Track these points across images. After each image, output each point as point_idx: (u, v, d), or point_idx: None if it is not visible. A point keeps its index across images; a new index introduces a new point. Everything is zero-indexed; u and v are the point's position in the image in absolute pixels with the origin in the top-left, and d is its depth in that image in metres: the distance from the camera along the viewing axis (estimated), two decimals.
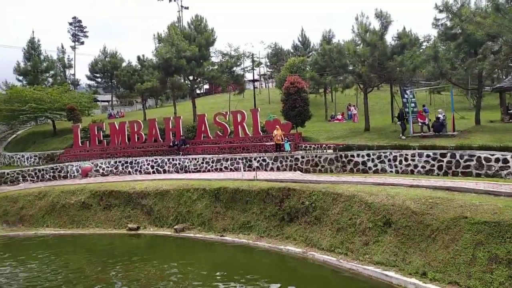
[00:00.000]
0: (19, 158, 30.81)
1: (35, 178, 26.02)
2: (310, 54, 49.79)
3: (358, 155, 17.44)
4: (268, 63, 58.05)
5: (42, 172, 26.05)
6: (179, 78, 31.88)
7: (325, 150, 20.09)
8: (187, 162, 23.07)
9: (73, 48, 67.54)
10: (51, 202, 20.16)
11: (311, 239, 13.00)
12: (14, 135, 38.16)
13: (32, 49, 44.80)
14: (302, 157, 19.32)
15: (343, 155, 17.91)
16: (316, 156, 18.81)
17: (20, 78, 44.50)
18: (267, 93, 43.59)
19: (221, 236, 15.28)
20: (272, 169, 20.24)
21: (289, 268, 12.00)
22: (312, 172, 18.55)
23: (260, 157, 20.79)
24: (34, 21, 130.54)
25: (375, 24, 22.55)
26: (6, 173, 26.40)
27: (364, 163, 17.26)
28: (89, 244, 16.69)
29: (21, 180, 26.03)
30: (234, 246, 14.31)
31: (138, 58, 38.41)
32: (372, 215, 11.68)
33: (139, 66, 38.34)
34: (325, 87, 33.75)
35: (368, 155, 17.15)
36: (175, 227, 16.67)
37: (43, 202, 20.36)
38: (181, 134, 25.34)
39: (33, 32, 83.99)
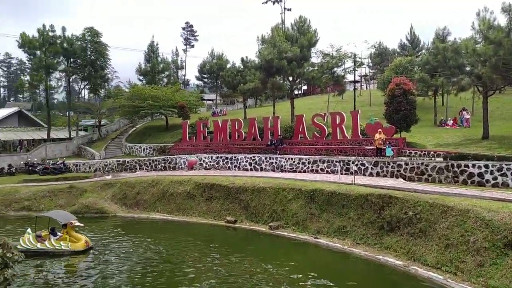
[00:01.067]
0: (137, 149, 34.82)
1: (149, 167, 29.14)
2: (419, 53, 46.18)
3: (473, 166, 15.63)
4: (371, 64, 55.57)
5: (155, 163, 29.07)
6: (279, 79, 32.47)
7: (433, 158, 18.45)
8: (284, 162, 23.38)
9: (185, 51, 73.80)
10: (161, 190, 22.34)
11: (414, 252, 12.07)
12: (134, 128, 43.26)
13: (151, 52, 50.28)
14: (406, 164, 18.05)
15: (455, 164, 16.23)
16: (422, 164, 17.40)
17: (141, 78, 50.31)
18: (368, 95, 41.78)
19: (315, 238, 15.14)
20: (371, 174, 19.35)
21: (388, 280, 11.33)
22: (416, 180, 17.22)
23: (358, 161, 20.03)
24: (155, 26, 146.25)
25: (501, 20, 19.90)
26: (126, 161, 30.12)
27: (480, 174, 15.40)
28: (191, 231, 18.04)
29: (138, 168, 29.41)
30: (328, 250, 14.04)
31: (242, 59, 40.25)
32: (490, 234, 10.35)
33: (242, 67, 40.11)
34: (436, 89, 30.95)
35: (487, 166, 15.25)
36: (270, 224, 17.04)
37: (155, 190, 22.66)
38: (279, 134, 25.76)
39: (152, 36, 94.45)
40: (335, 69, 32.44)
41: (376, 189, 15.16)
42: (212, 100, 62.32)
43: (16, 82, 77.25)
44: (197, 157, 27.60)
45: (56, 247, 14.63)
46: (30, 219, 21.31)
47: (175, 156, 28.87)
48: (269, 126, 26.44)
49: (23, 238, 14.98)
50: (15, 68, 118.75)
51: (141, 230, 18.24)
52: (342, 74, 34.85)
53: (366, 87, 57.97)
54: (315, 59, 33.38)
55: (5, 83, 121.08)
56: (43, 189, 24.76)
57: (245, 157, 25.42)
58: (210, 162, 26.90)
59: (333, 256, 13.48)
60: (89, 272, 12.58)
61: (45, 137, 42.38)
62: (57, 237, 15.09)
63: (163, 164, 28.77)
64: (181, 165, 27.92)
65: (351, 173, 19.01)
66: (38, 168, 31.58)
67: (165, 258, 13.68)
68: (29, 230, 15.44)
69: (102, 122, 46.98)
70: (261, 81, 31.96)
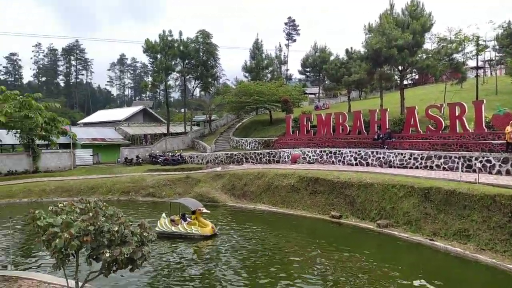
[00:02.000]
0: (243, 143, 36.60)
1: (255, 160, 30.38)
2: None
3: None
4: (498, 47, 48.42)
5: (260, 156, 30.19)
6: (387, 69, 30.61)
7: None
8: (392, 157, 22.08)
9: (287, 45, 74.59)
10: (267, 183, 23.10)
11: None
12: (240, 123, 45.55)
13: (256, 49, 52.07)
14: None
15: None
16: None
17: (246, 74, 52.55)
18: (494, 82, 36.59)
19: (430, 240, 13.97)
20: (499, 172, 17.02)
21: None
22: None
23: (483, 157, 17.80)
24: (261, 24, 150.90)
25: None
26: (234, 154, 31.91)
27: None
28: (296, 224, 18.29)
29: (244, 161, 30.92)
30: (446, 254, 12.82)
31: (346, 51, 38.97)
32: None
33: (347, 58, 38.86)
34: None
35: None
36: (378, 221, 16.28)
37: (260, 182, 23.55)
38: (387, 127, 24.39)
39: (257, 34, 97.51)
40: (454, 55, 29.12)
41: (507, 190, 13.28)
42: (314, 93, 61.94)
43: (140, 83, 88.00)
44: (301, 151, 27.79)
45: (188, 231, 16.08)
46: (154, 204, 24.20)
47: (279, 149, 29.53)
48: (376, 119, 25.21)
49: (159, 221, 16.81)
50: (139, 71, 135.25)
51: (249, 220, 19.16)
52: (462, 60, 31.17)
53: (491, 74, 50.89)
54: (429, 45, 30.49)
55: (132, 85, 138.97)
56: (164, 178, 27.75)
57: (350, 151, 24.71)
58: (314, 156, 26.82)
59: (452, 261, 12.25)
60: (214, 255, 13.72)
61: (165, 131, 47.46)
62: (187, 222, 16.61)
63: (267, 157, 29.70)
64: (285, 158, 28.44)
65: (474, 171, 17.04)
66: (160, 159, 35.57)
67: (272, 248, 14.14)
68: (164, 214, 17.18)
69: (212, 118, 50.50)
70: (367, 72, 30.53)
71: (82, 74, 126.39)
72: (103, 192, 26.90)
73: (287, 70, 69.78)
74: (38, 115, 9.22)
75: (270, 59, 52.89)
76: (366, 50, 29.87)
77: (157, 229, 16.04)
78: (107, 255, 6.93)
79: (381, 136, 24.06)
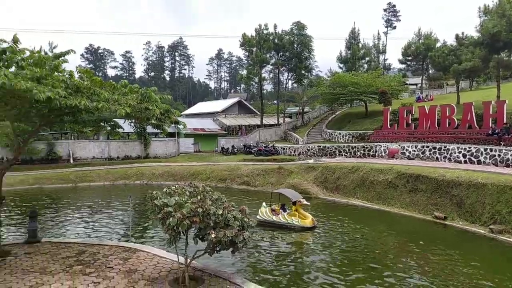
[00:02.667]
0: (336, 135, 35.84)
1: (348, 153, 29.55)
2: None
3: None
4: None
5: (354, 149, 29.24)
6: (507, 55, 26.92)
7: None
8: (511, 155, 19.47)
9: (385, 33, 70.49)
10: (361, 177, 22.32)
11: None
12: (333, 115, 44.62)
13: (352, 39, 50.19)
14: None
15: None
16: None
17: (341, 65, 51.06)
18: None
19: None
20: None
21: None
22: None
23: None
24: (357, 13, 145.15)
25: None
26: (327, 147, 31.47)
27: None
28: (393, 222, 17.36)
29: (337, 154, 30.29)
30: None
31: (457, 36, 35.20)
32: None
33: (456, 45, 35.14)
34: None
35: None
36: (491, 226, 14.59)
37: (354, 176, 22.85)
38: (505, 122, 21.58)
39: (354, 23, 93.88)
40: None
41: None
42: (415, 84, 57.49)
43: (236, 76, 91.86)
44: (399, 145, 26.17)
45: (289, 221, 16.31)
46: (248, 192, 25.23)
47: (375, 143, 28.24)
48: (490, 112, 22.52)
49: (260, 210, 17.37)
50: (235, 64, 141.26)
51: (344, 214, 18.74)
52: None
53: None
54: None
55: (227, 78, 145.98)
56: (258, 168, 28.69)
57: (458, 147, 22.48)
58: (414, 151, 25.05)
59: None
60: (309, 246, 13.85)
61: (258, 123, 48.88)
62: (287, 212, 16.90)
63: (362, 151, 28.65)
64: (381, 153, 27.11)
65: None
66: (253, 149, 36.82)
67: (369, 245, 13.67)
68: (264, 204, 17.67)
69: (305, 110, 50.36)
70: (481, 59, 27.26)
71: (185, 69, 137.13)
72: (203, 178, 28.89)
73: (385, 59, 66.00)
74: (156, 107, 10.31)
75: (367, 49, 50.56)
76: (480, 35, 26.68)
77: (258, 217, 16.67)
78: (213, 235, 7.49)
79: (497, 131, 21.39)
